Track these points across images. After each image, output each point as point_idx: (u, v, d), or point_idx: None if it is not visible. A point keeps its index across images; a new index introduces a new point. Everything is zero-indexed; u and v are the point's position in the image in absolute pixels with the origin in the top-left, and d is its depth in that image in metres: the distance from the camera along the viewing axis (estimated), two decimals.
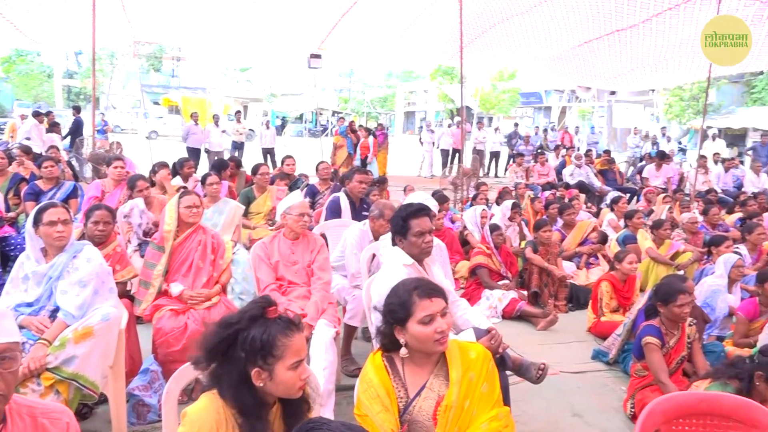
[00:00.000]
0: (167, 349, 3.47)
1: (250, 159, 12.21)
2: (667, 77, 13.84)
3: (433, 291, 2.13)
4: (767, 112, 25.62)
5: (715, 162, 14.03)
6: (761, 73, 27.55)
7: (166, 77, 47.25)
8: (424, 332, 2.07)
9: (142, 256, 4.36)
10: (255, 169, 7.18)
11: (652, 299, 3.78)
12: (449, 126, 19.22)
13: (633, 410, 3.64)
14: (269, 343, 1.76)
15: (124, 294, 3.76)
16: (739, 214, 8.66)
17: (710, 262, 5.83)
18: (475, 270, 5.87)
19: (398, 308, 2.13)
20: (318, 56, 12.83)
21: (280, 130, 31.64)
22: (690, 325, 3.68)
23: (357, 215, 5.56)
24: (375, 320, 2.41)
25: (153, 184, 6.56)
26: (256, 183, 6.97)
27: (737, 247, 6.07)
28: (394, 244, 3.19)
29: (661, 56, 11.12)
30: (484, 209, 7.24)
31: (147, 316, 3.65)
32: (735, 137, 25.44)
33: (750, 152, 16.92)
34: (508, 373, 3.26)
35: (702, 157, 12.31)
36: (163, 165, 6.91)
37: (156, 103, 37.14)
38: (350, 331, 4.32)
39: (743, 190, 11.94)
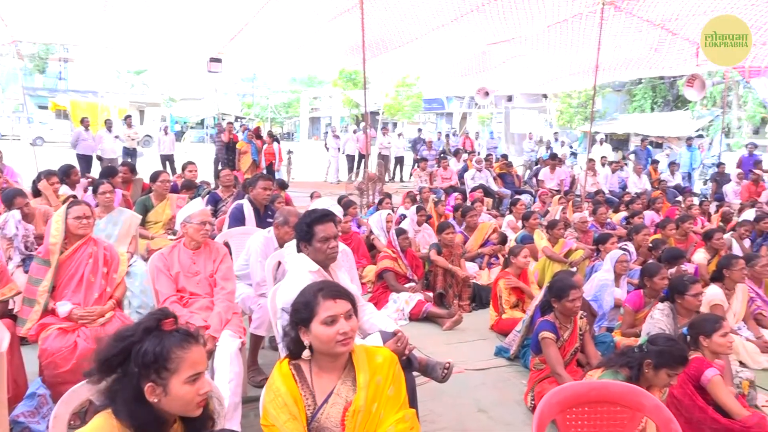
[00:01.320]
0: (55, 371, 3.23)
1: (148, 166, 11.66)
2: (559, 84, 14.73)
3: (339, 293, 2.14)
4: (646, 119, 27.83)
5: (603, 165, 15.01)
6: (641, 82, 29.92)
7: (53, 80, 44.16)
8: (326, 333, 2.06)
9: (26, 272, 4.04)
10: (154, 177, 6.87)
11: (546, 295, 3.98)
12: (354, 131, 19.33)
13: (533, 402, 3.82)
14: (163, 356, 1.69)
15: (5, 314, 3.48)
16: (625, 213, 9.33)
17: (599, 258, 6.22)
18: (381, 274, 5.93)
19: (302, 308, 2.13)
20: (218, 60, 12.49)
21: (179, 136, 30.45)
22: (581, 318, 3.91)
23: (261, 222, 5.46)
24: (282, 323, 2.38)
25: (39, 193, 6.11)
26: (155, 191, 6.67)
27: (625, 244, 6.53)
28: (299, 250, 3.16)
29: (555, 65, 11.81)
30: (389, 213, 7.34)
31: (32, 336, 3.39)
32: (619, 142, 27.38)
33: (632, 156, 18.26)
34: (414, 374, 3.31)
35: (591, 161, 13.15)
36: (50, 173, 6.46)
37: (43, 108, 34.66)
38: (257, 340, 4.24)
39: (627, 190, 12.87)
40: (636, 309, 4.87)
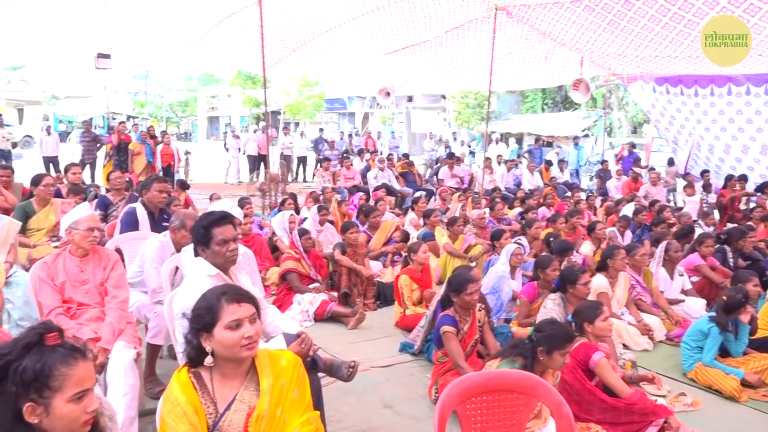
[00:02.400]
0: None
1: (29, 169, 10.80)
2: (457, 84, 15.23)
3: (242, 296, 2.10)
4: (538, 119, 29.37)
5: (499, 163, 15.69)
6: None
7: None
8: (231, 338, 2.02)
9: None
10: (36, 180, 6.35)
11: (446, 290, 4.10)
12: (255, 131, 18.95)
13: (437, 395, 3.91)
14: (44, 373, 1.57)
15: None
16: (519, 209, 9.79)
17: (496, 253, 6.48)
18: (285, 275, 5.86)
19: (205, 313, 2.07)
20: (107, 56, 11.79)
21: (64, 136, 28.50)
22: (479, 311, 4.06)
23: (156, 227, 5.22)
24: (182, 329, 2.29)
25: None
26: (37, 195, 6.18)
27: (519, 238, 6.85)
28: (196, 254, 3.06)
29: (453, 67, 12.18)
30: (292, 214, 7.26)
31: None
32: (514, 140, 28.68)
33: (526, 154, 19.21)
34: (320, 374, 3.31)
35: (488, 159, 13.70)
36: None
37: None
38: (154, 350, 4.05)
39: (522, 187, 13.53)
40: (531, 300, 5.13)
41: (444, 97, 31.86)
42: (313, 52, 11.08)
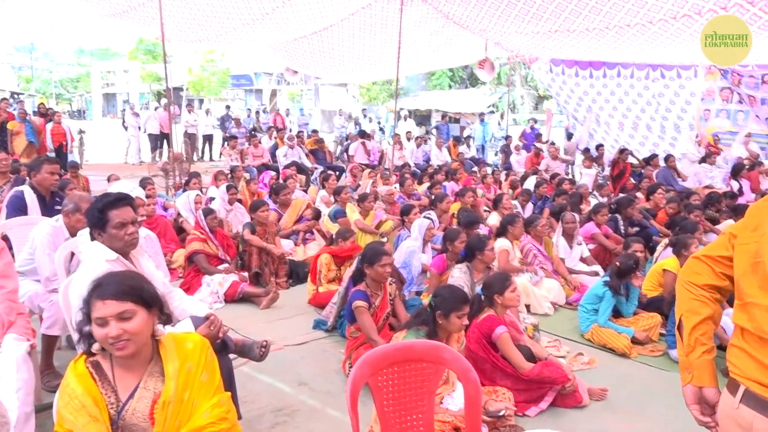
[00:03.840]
0: None
1: None
2: (367, 74, 15.23)
3: (110, 293, 1.94)
4: (445, 96, 29.93)
5: (408, 139, 15.88)
6: None
7: None
8: (98, 334, 1.93)
9: None
10: None
11: (359, 264, 4.14)
12: (156, 109, 18.07)
13: (351, 369, 3.95)
14: None
15: None
16: (428, 184, 9.98)
17: (405, 228, 6.59)
18: (191, 257, 5.68)
19: (83, 305, 1.99)
20: None
21: None
22: (390, 284, 4.14)
23: (48, 211, 4.88)
24: (76, 317, 2.17)
25: None
26: None
27: (428, 213, 6.99)
28: (93, 238, 2.89)
29: (361, 55, 12.15)
30: (198, 194, 7.03)
31: None
32: (422, 117, 29.14)
33: (434, 130, 19.56)
34: (231, 356, 3.25)
35: (397, 135, 13.83)
36: None
37: None
38: (50, 341, 3.82)
39: (430, 163, 13.78)
40: (440, 272, 5.27)
41: None
42: (216, 31, 10.65)
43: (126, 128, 17.14)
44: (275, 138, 14.49)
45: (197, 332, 2.67)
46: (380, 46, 11.50)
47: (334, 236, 5.75)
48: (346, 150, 14.80)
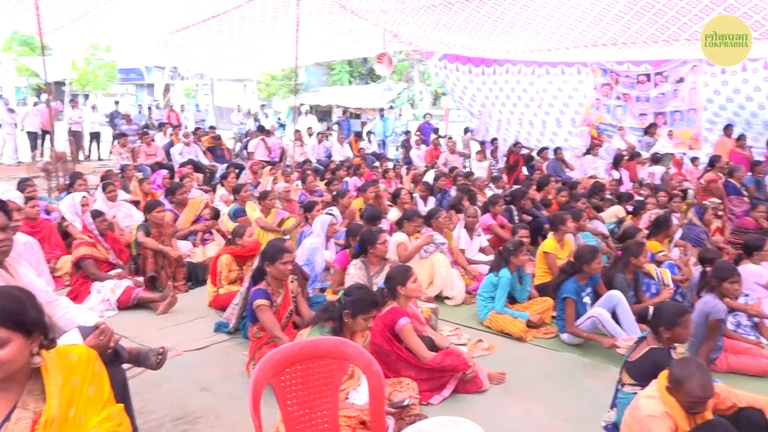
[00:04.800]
0: None
1: None
2: (263, 65, 14.91)
3: None
4: (345, 92, 29.97)
5: (309, 135, 15.74)
6: None
7: None
8: None
9: None
10: None
11: (260, 261, 4.06)
12: (35, 104, 16.74)
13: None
14: None
15: None
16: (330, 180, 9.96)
17: (308, 224, 6.54)
18: (79, 263, 5.33)
19: None
20: None
21: None
22: (292, 282, 4.09)
23: None
24: None
25: None
26: None
27: (331, 209, 6.97)
28: None
29: (256, 45, 11.87)
30: (84, 196, 6.60)
31: None
32: (324, 113, 29.00)
33: (335, 126, 19.54)
34: (126, 366, 3.09)
35: (297, 131, 13.67)
36: None
37: None
38: None
39: (332, 158, 13.75)
40: (344, 268, 5.27)
41: None
42: (98, 21, 9.98)
43: (0, 126, 15.75)
44: (170, 135, 13.87)
45: (85, 343, 2.51)
46: (276, 36, 11.28)
47: (232, 238, 5.58)
48: (246, 147, 14.44)
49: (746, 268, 4.74)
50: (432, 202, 8.66)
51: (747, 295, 4.75)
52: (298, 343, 2.55)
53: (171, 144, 12.82)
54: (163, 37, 11.16)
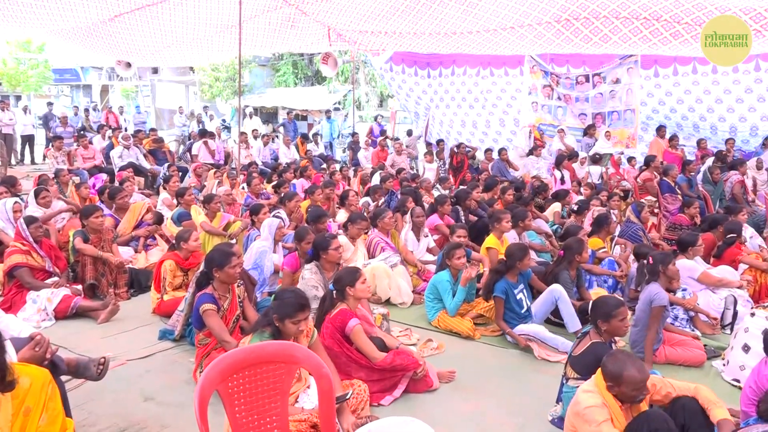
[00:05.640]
0: None
1: None
2: (203, 55, 14.58)
3: None
4: (291, 93, 29.72)
5: (255, 137, 15.52)
6: (282, 57, 31.71)
7: None
8: None
9: None
10: None
11: (205, 266, 3.97)
12: None
13: None
14: None
15: None
16: (277, 182, 9.84)
17: (254, 228, 6.45)
18: (12, 272, 5.08)
19: None
20: None
21: None
22: (239, 286, 4.02)
23: None
24: None
25: None
26: None
27: (278, 212, 6.90)
28: None
29: (196, 34, 11.57)
30: (16, 202, 6.30)
31: None
32: (269, 115, 28.67)
33: (281, 128, 19.32)
34: (65, 378, 2.97)
35: (243, 134, 13.46)
36: None
37: None
38: None
39: (279, 161, 13.61)
40: (293, 270, 5.23)
41: (192, 69, 30.33)
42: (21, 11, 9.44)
43: None
44: (109, 138, 13.40)
45: (19, 355, 2.40)
46: (219, 25, 11.03)
47: (176, 243, 5.42)
48: (189, 150, 14.11)
49: (680, 263, 4.95)
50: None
51: (684, 290, 4.99)
52: (245, 348, 2.51)
53: (111, 147, 12.41)
54: (96, 27, 10.68)
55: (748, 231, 6.68)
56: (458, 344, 4.79)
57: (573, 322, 4.71)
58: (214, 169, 10.78)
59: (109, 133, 13.86)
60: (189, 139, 16.03)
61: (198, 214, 6.86)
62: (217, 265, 3.84)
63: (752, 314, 4.22)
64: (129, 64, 13.64)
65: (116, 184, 8.50)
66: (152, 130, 14.70)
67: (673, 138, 11.96)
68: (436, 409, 3.69)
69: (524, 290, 4.84)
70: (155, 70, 30.48)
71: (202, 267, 4.15)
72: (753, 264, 5.77)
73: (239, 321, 3.98)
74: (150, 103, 30.35)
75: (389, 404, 3.71)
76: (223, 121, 23.73)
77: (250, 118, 19.66)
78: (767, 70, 11.66)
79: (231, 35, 11.00)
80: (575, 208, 7.28)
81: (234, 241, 6.41)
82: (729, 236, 5.93)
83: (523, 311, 4.75)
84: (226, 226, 6.81)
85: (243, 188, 9.17)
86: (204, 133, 13.70)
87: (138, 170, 10.80)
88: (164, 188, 8.49)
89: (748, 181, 9.92)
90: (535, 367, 4.39)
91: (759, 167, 10.33)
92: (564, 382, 3.47)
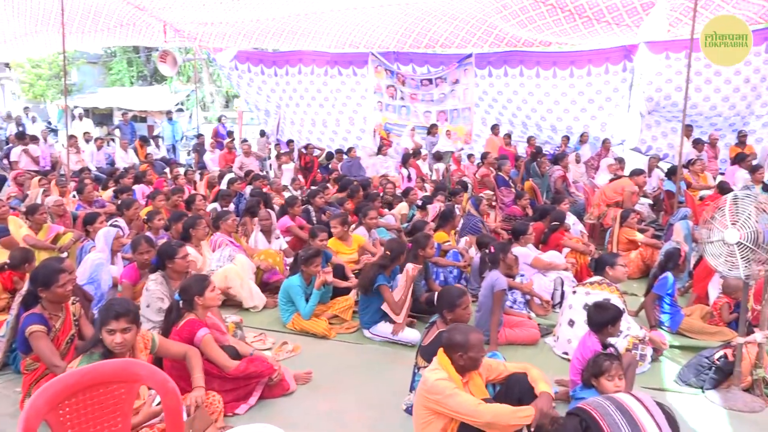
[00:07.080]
0: None
1: None
2: (18, 50, 13.20)
3: None
4: (127, 93, 27.75)
5: (87, 141, 14.28)
6: (115, 55, 29.54)
7: None
8: None
9: None
10: None
11: (31, 285, 3.56)
12: None
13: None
14: None
15: None
16: (114, 189, 9.13)
17: (89, 238, 5.94)
18: None
19: None
20: None
21: None
22: (73, 303, 3.67)
23: None
24: None
25: None
26: None
27: (116, 220, 6.41)
28: None
29: (9, 26, 10.41)
30: None
31: None
32: (103, 116, 26.53)
33: (116, 131, 17.97)
34: None
35: (72, 137, 12.30)
36: None
37: None
38: None
39: (116, 166, 12.63)
40: (134, 282, 4.91)
41: (8, 66, 27.18)
42: None
43: None
44: None
45: None
46: (40, 19, 10.00)
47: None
48: (7, 156, 12.61)
49: (515, 251, 5.38)
50: (230, 207, 8.39)
51: (522, 275, 5.44)
52: (78, 370, 2.27)
53: None
54: None
55: (571, 218, 7.41)
56: (314, 344, 4.79)
57: None
58: (39, 177, 9.75)
59: None
60: (7, 144, 14.33)
61: (19, 226, 6.14)
62: (42, 284, 3.46)
63: (574, 292, 4.70)
64: None
65: None
66: None
67: (507, 135, 12.95)
68: (294, 411, 3.66)
69: (395, 286, 4.94)
70: None
71: (26, 286, 3.73)
72: (573, 247, 6.43)
73: (74, 341, 3.62)
74: None
75: (245, 412, 3.61)
76: (48, 123, 21.55)
77: (80, 119, 18.01)
78: (579, 76, 13.06)
79: (51, 26, 9.99)
80: (420, 203, 7.60)
81: (65, 254, 5.85)
82: (553, 223, 6.57)
83: None
84: (54, 238, 6.17)
85: (74, 196, 8.39)
86: (23, 137, 12.34)
87: None
88: None
89: (569, 175, 11.03)
90: (390, 359, 4.52)
91: (577, 161, 11.52)
92: (416, 371, 3.61)
